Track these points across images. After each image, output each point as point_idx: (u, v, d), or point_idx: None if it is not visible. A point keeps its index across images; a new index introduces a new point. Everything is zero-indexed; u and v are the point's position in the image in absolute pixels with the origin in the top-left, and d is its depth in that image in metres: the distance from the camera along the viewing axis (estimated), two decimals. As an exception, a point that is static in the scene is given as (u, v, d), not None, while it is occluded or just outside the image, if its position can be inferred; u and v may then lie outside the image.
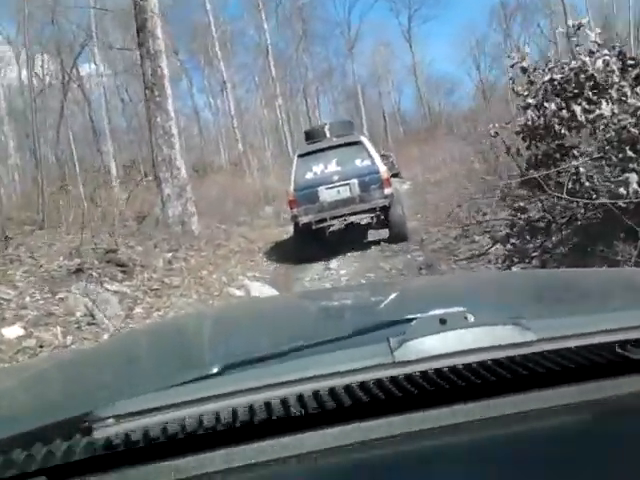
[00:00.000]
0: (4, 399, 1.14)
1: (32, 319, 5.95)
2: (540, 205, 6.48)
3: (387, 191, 10.24)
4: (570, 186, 5.67)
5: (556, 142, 6.01)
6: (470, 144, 19.00)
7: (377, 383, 0.75)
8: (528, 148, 6.45)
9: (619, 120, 5.20)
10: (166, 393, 0.73)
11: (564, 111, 5.73)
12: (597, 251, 5.46)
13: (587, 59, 5.66)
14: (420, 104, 48.99)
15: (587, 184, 5.60)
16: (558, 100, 5.69)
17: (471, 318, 0.77)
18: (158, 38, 11.56)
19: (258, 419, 0.72)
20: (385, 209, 10.33)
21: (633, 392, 0.77)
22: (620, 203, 5.03)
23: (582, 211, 5.91)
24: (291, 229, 11.42)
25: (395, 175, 19.83)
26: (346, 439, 0.72)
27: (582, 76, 5.71)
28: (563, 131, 5.83)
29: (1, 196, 15.46)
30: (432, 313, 0.79)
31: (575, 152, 5.89)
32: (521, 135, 6.40)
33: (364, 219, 10.64)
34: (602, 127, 5.46)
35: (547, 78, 5.73)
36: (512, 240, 6.65)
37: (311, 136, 11.89)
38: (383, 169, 10.50)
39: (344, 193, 10.22)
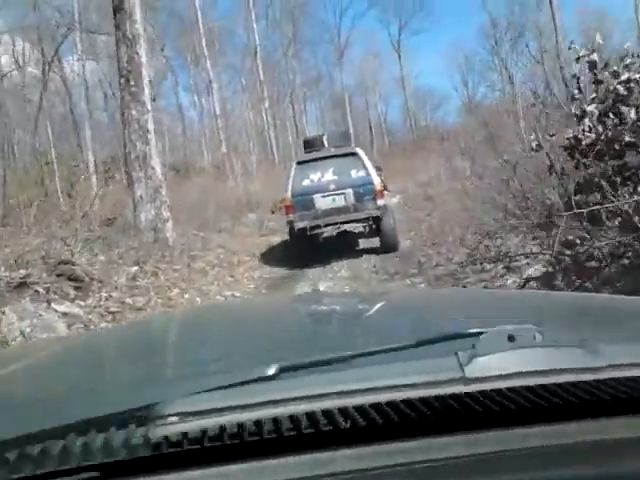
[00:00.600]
0: (64, 376, 1.11)
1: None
2: (588, 239, 5.17)
3: (380, 202, 10.42)
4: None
5: (617, 161, 4.73)
6: (469, 159, 17.86)
7: (447, 399, 0.70)
8: (576, 167, 5.18)
9: None
10: (224, 393, 0.69)
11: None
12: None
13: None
14: (407, 117, 47.99)
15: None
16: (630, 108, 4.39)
17: (539, 337, 0.74)
18: (136, 21, 10.16)
19: (320, 428, 0.67)
20: (377, 219, 10.50)
21: None
22: None
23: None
24: (275, 239, 12.06)
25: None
26: (414, 456, 0.67)
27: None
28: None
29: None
30: (500, 328, 0.75)
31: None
32: (569, 150, 5.12)
33: (357, 228, 10.84)
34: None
35: (624, 78, 4.42)
36: (556, 281, 5.31)
37: (310, 145, 12.02)
38: (377, 181, 10.63)
39: (339, 202, 10.39)
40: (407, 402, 0.69)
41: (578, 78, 5.11)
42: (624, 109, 4.34)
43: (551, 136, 5.58)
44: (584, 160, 5.03)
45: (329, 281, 9.29)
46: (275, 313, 1.81)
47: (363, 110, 48.16)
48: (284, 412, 0.67)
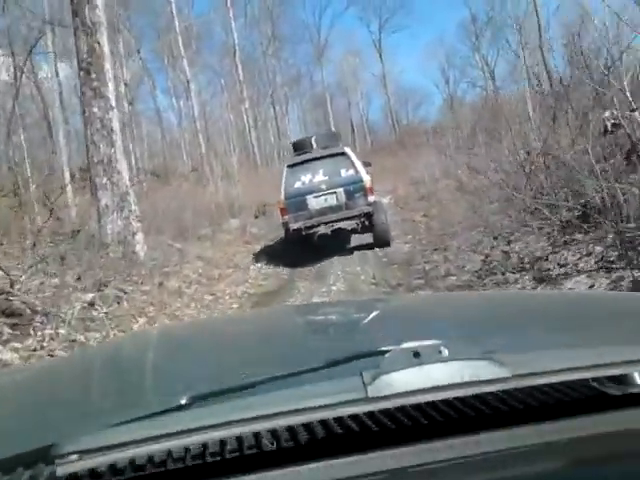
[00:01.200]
0: None
1: None
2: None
3: (371, 199, 10.51)
4: None
5: None
6: (464, 154, 16.59)
7: (350, 419, 0.74)
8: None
9: None
10: (132, 426, 0.68)
11: None
12: None
13: None
14: (388, 115, 46.71)
15: None
16: None
17: (445, 352, 0.72)
18: (96, 7, 8.75)
19: (227, 456, 0.71)
20: (369, 215, 10.52)
21: (611, 430, 0.74)
22: None
23: None
24: (259, 247, 12.10)
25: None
26: (318, 476, 0.69)
27: None
28: None
29: None
30: (405, 346, 0.74)
31: None
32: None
33: (350, 225, 10.78)
34: None
35: None
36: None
37: (299, 147, 12.13)
38: (367, 178, 10.69)
39: (331, 201, 10.50)
40: (307, 425, 0.71)
41: None
42: None
43: (632, 112, 4.27)
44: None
45: (323, 296, 8.01)
46: (196, 339, 1.77)
47: (344, 110, 46.92)
48: (194, 442, 0.67)
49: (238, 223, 16.45)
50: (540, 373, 0.73)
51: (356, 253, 10.95)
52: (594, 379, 0.77)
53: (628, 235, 4.45)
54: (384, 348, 0.76)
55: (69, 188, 16.58)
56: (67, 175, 21.14)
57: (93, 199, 9.04)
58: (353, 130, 44.11)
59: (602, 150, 6.36)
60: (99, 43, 8.75)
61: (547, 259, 6.44)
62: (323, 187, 10.58)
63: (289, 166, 11.23)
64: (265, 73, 34.83)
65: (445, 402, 0.73)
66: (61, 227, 10.29)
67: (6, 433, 0.90)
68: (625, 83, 4.77)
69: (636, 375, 0.77)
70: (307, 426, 0.72)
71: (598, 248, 6.03)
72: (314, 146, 11.68)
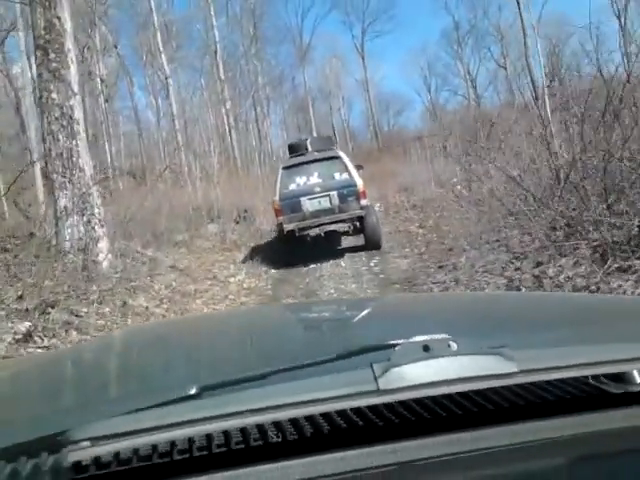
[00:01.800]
0: None
1: None
2: None
3: (363, 202, 10.51)
4: None
5: None
6: (455, 162, 15.39)
7: (360, 411, 0.73)
8: None
9: None
10: (142, 415, 0.67)
11: None
12: None
13: None
14: (370, 121, 45.53)
15: None
16: None
17: (454, 346, 0.73)
18: (57, -27, 7.32)
19: (234, 446, 0.70)
20: (361, 218, 10.59)
21: (611, 427, 0.74)
22: None
23: None
24: (241, 255, 11.86)
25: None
26: (327, 469, 0.68)
27: None
28: None
29: None
30: (415, 339, 0.75)
31: None
32: None
33: (342, 227, 10.90)
34: None
35: None
36: None
37: (294, 150, 12.10)
38: (360, 182, 10.68)
39: (325, 203, 10.51)
40: (323, 416, 0.71)
41: None
42: None
43: None
44: None
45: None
46: (205, 330, 1.75)
47: (326, 114, 45.63)
48: (200, 431, 0.66)
49: (217, 228, 15.05)
50: (546, 369, 0.73)
51: (349, 269, 9.71)
52: (593, 377, 0.77)
53: None
54: (394, 341, 0.75)
55: (40, 186, 15.24)
56: (38, 172, 19.74)
57: (50, 200, 7.61)
58: (335, 135, 42.83)
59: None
60: (59, 18, 7.35)
61: (597, 289, 5.21)
62: (317, 189, 10.57)
63: (284, 168, 11.17)
64: (247, 74, 33.34)
65: (452, 396, 0.72)
66: (20, 230, 8.90)
67: (14, 422, 0.88)
68: None
69: (635, 373, 0.79)
70: (316, 418, 0.70)
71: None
72: (309, 149, 11.66)
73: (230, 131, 26.76)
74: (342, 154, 11.53)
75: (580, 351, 0.78)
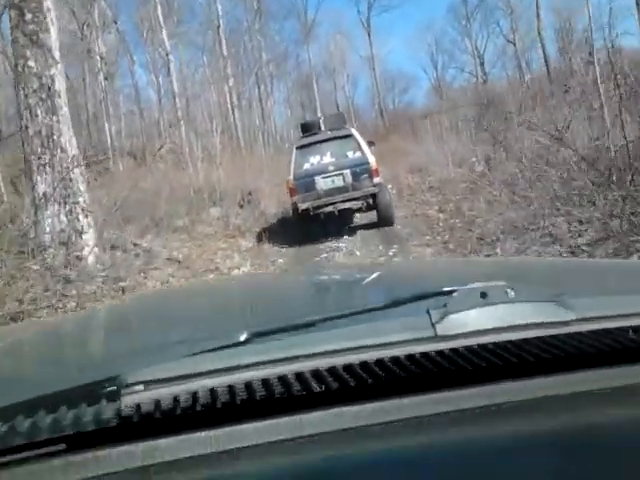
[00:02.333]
0: (23, 360, 1.10)
1: None
2: None
3: (376, 180, 10.44)
4: None
5: None
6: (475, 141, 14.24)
7: (420, 357, 0.70)
8: None
9: None
10: (194, 360, 0.67)
11: None
12: None
13: None
14: (375, 99, 44.08)
15: None
16: None
17: (511, 293, 0.73)
18: None
19: (291, 391, 0.66)
20: (374, 196, 10.57)
21: None
22: None
23: None
24: (244, 243, 11.39)
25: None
26: (388, 415, 0.65)
27: None
28: None
29: None
30: (472, 286, 0.73)
31: None
32: None
33: (356, 205, 10.83)
34: None
35: None
36: None
37: (307, 129, 12.02)
38: (372, 160, 10.61)
39: (338, 182, 10.45)
40: (379, 362, 0.68)
41: None
42: None
43: None
44: None
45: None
46: (255, 288, 1.75)
47: (330, 92, 44.26)
48: (256, 376, 0.65)
49: (220, 212, 13.95)
50: (604, 317, 0.72)
51: (365, 260, 8.67)
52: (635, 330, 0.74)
53: None
54: (451, 288, 0.73)
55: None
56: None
57: (27, 185, 6.54)
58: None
59: None
60: (36, -30, 6.21)
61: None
62: (331, 168, 10.48)
63: (298, 147, 11.05)
64: (250, 50, 32.04)
65: (510, 343, 0.71)
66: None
67: (72, 367, 0.90)
68: None
69: None
70: (370, 364, 0.68)
71: None
72: (322, 128, 11.53)
73: (233, 110, 25.59)
74: (355, 132, 11.38)
75: (634, 301, 0.78)
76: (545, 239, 6.64)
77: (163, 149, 24.78)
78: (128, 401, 0.62)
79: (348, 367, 0.67)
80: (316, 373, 0.66)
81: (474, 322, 0.69)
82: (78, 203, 6.36)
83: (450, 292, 0.73)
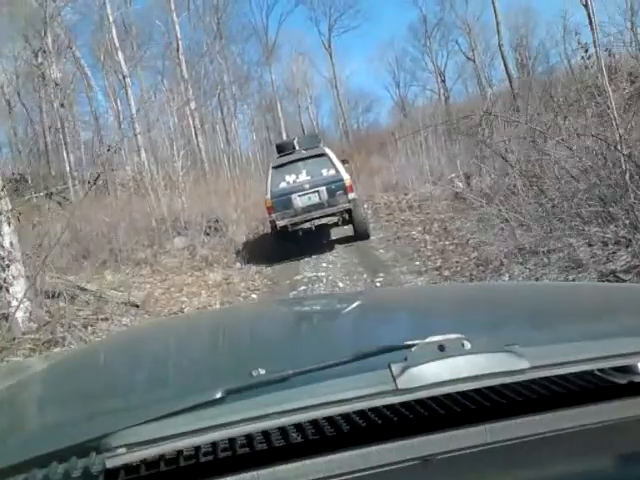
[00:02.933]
0: (25, 411, 1.12)
1: None
2: None
3: (351, 196, 10.66)
4: None
5: None
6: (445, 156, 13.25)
7: (378, 410, 0.74)
8: None
9: None
10: (172, 421, 0.67)
11: None
12: None
13: None
14: (340, 119, 43.22)
15: None
16: None
17: (467, 345, 0.73)
18: None
19: (258, 447, 0.71)
20: (349, 211, 10.78)
21: (619, 417, 0.75)
22: None
23: None
24: (212, 277, 10.32)
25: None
26: (350, 465, 0.68)
27: None
28: None
29: None
30: (430, 339, 0.74)
31: None
32: None
33: (332, 220, 11.29)
34: None
35: None
36: None
37: (282, 149, 12.20)
38: (346, 177, 10.84)
39: (314, 199, 10.66)
40: (344, 416, 0.71)
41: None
42: None
43: None
44: None
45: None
46: (221, 329, 1.73)
47: (295, 113, 43.28)
48: (226, 435, 0.67)
49: (185, 242, 12.71)
50: (556, 364, 0.74)
51: (353, 288, 7.53)
52: (600, 369, 0.78)
53: None
54: (410, 342, 0.75)
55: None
56: None
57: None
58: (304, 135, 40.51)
59: None
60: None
61: None
62: (307, 186, 10.71)
63: (274, 167, 11.22)
64: (212, 72, 30.83)
65: (467, 393, 0.73)
66: None
67: (46, 429, 0.89)
68: None
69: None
70: (336, 419, 0.71)
71: None
72: (296, 147, 11.71)
73: (196, 133, 24.34)
74: (328, 151, 11.57)
75: (588, 346, 0.80)
76: (562, 263, 5.58)
77: (126, 177, 23.36)
78: (111, 463, 0.63)
79: (314, 423, 0.71)
80: (282, 430, 0.70)
81: (433, 375, 0.70)
82: (2, 248, 5.09)
83: (410, 346, 0.73)
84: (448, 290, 2.61)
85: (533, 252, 6.23)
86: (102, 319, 5.97)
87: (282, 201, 10.63)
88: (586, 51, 7.66)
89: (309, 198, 10.65)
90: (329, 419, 0.71)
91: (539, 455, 0.71)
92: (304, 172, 10.94)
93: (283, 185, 10.86)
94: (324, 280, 8.39)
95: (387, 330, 1.43)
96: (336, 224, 11.45)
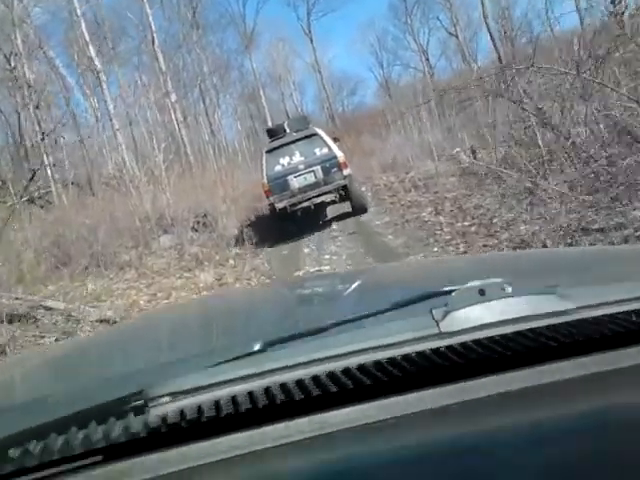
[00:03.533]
0: (56, 379, 1.12)
1: None
2: None
3: (345, 172, 10.62)
4: None
5: None
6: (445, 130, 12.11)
7: (425, 354, 0.70)
8: None
9: None
10: (214, 370, 0.68)
11: None
12: None
13: None
14: (325, 104, 41.88)
15: None
16: None
17: (508, 288, 0.72)
18: None
19: (309, 393, 0.66)
20: (345, 187, 10.83)
21: None
22: None
23: None
24: (203, 278, 9.25)
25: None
26: (398, 411, 0.64)
27: None
28: None
29: None
30: (471, 284, 0.74)
31: None
32: None
33: (329, 197, 11.39)
34: None
35: None
36: None
37: (273, 133, 12.11)
38: (340, 154, 10.76)
39: (310, 179, 10.63)
40: (391, 360, 0.68)
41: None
42: None
43: None
44: None
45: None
46: (262, 300, 1.74)
47: (278, 100, 41.92)
48: (275, 381, 0.66)
49: (172, 240, 11.53)
50: (602, 304, 0.71)
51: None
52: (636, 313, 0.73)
53: None
54: (450, 288, 0.74)
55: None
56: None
57: None
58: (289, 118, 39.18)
59: None
60: None
61: None
62: (302, 167, 10.65)
63: (267, 151, 11.15)
64: (190, 63, 29.48)
65: (515, 334, 0.69)
66: None
67: (98, 383, 0.89)
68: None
69: None
70: (383, 363, 0.68)
71: None
72: (287, 130, 11.61)
73: (179, 126, 23.04)
74: (319, 130, 11.52)
75: (633, 287, 0.77)
76: (632, 242, 4.46)
77: (109, 175, 22.09)
78: (155, 412, 0.62)
79: (362, 367, 0.68)
80: (331, 375, 0.67)
81: (475, 318, 0.69)
82: None
83: (450, 292, 0.73)
84: (490, 257, 2.44)
85: (584, 230, 5.11)
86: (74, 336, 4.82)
87: (279, 184, 10.60)
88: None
89: (305, 178, 10.63)
90: (377, 364, 0.66)
91: (593, 394, 0.65)
92: (297, 153, 10.92)
93: (278, 168, 10.79)
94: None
95: (429, 281, 1.41)
96: (334, 202, 11.57)
